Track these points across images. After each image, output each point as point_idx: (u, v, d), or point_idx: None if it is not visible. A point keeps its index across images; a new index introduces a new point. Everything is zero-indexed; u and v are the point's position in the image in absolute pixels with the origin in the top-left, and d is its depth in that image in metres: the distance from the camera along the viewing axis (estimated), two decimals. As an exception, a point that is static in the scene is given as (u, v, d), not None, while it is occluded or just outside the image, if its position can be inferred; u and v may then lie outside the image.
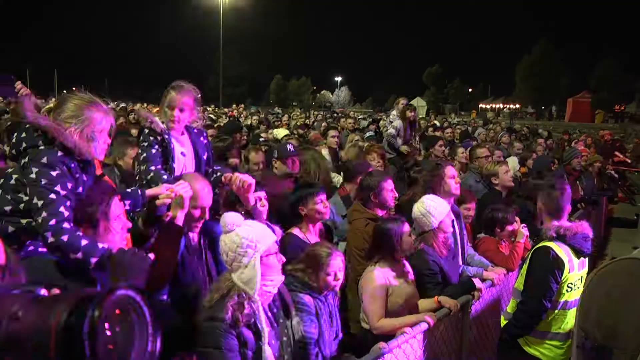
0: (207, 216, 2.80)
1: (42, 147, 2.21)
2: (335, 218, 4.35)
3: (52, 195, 2.13)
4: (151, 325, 0.95)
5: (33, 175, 2.15)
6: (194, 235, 2.83)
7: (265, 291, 2.34)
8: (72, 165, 2.24)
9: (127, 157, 4.47)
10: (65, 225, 2.10)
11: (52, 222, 2.08)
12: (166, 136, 3.17)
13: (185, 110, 3.25)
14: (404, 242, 3.37)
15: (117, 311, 0.92)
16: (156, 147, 3.14)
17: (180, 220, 2.63)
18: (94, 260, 2.04)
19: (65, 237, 2.05)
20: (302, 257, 2.94)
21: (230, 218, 2.38)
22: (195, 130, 3.39)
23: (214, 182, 3.19)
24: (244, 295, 2.27)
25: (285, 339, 2.42)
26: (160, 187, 2.72)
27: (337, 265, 2.87)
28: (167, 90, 3.29)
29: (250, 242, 2.30)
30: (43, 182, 2.15)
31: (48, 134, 2.22)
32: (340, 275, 2.90)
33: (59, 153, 2.21)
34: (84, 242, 2.07)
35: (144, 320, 0.94)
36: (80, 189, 2.27)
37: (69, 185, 2.20)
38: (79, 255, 2.05)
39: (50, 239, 2.06)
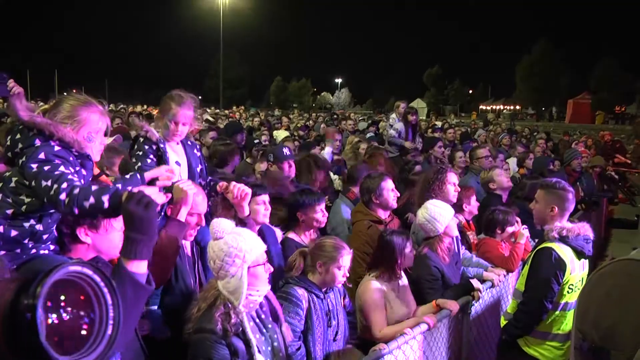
0: (203, 223, 2.80)
1: (38, 145, 2.20)
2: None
3: (58, 172, 2.13)
4: (112, 309, 0.93)
5: (34, 170, 2.14)
6: (186, 244, 2.83)
7: (251, 300, 2.31)
8: (71, 158, 2.23)
9: (115, 167, 4.37)
10: (77, 183, 2.11)
11: (64, 185, 2.07)
12: (161, 145, 3.17)
13: (187, 123, 3.25)
14: (406, 257, 3.37)
15: (81, 297, 0.90)
16: (151, 156, 3.14)
17: (182, 217, 2.64)
18: (105, 198, 2.01)
19: (77, 190, 2.05)
20: (314, 248, 2.94)
21: (219, 224, 2.33)
22: (189, 143, 3.40)
23: (209, 191, 3.20)
24: (230, 305, 2.24)
25: (275, 344, 2.40)
26: (159, 169, 2.71)
27: (347, 261, 2.89)
28: (167, 101, 3.23)
29: (238, 251, 2.25)
30: (47, 169, 2.14)
31: (45, 131, 2.20)
32: (347, 273, 2.92)
33: (57, 148, 2.20)
34: (94, 187, 2.08)
35: (103, 302, 0.93)
36: (82, 182, 2.27)
37: (72, 170, 2.20)
38: (92, 200, 2.02)
39: (66, 199, 2.05)
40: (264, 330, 2.38)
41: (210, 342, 2.18)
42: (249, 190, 3.03)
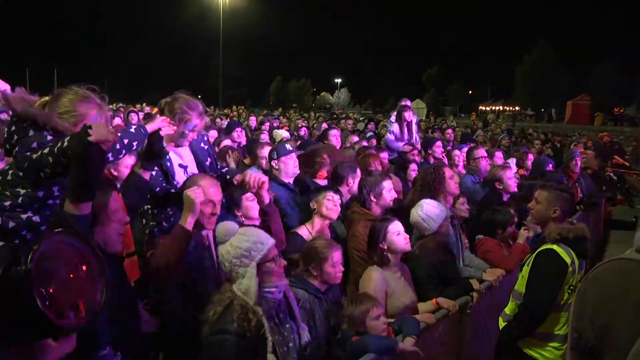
0: (218, 212, 2.81)
1: (31, 135, 2.23)
2: None
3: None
4: (100, 276, 0.95)
5: (28, 156, 2.16)
6: (208, 233, 2.82)
7: (271, 299, 2.33)
8: None
9: (121, 167, 4.06)
10: None
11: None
12: None
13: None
14: (389, 241, 3.32)
15: (71, 264, 0.92)
16: (155, 168, 3.08)
17: (190, 225, 2.65)
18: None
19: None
20: (303, 252, 2.96)
21: (223, 229, 2.37)
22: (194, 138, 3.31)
23: (225, 183, 3.20)
24: (247, 307, 2.25)
25: (291, 344, 2.40)
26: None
27: (337, 257, 2.91)
28: (185, 110, 3.03)
29: (245, 251, 2.29)
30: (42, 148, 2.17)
31: (38, 121, 2.23)
32: (342, 267, 2.93)
33: (49, 137, 2.23)
34: None
35: (91, 270, 0.95)
36: None
37: None
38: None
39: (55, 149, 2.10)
40: (282, 330, 2.39)
41: (230, 343, 2.19)
42: (265, 178, 3.03)
